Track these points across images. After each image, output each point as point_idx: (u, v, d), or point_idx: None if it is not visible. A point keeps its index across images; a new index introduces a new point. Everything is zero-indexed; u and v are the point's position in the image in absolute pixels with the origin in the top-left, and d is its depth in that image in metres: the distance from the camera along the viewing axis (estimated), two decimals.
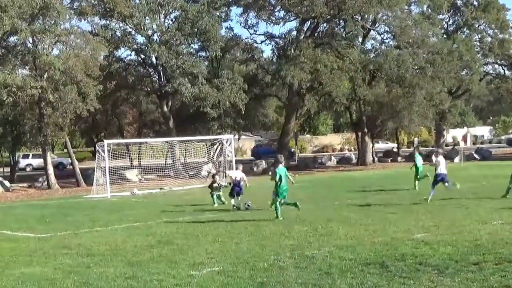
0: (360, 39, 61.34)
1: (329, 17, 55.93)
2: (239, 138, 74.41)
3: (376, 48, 61.48)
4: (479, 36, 71.05)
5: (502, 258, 12.66)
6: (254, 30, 60.39)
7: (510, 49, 70.39)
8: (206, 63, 58.79)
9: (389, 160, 66.78)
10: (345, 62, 54.68)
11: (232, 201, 25.44)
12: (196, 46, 58.09)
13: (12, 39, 45.21)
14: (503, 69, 75.02)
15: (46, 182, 48.91)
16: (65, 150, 60.41)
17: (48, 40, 44.67)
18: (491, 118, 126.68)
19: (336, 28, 59.60)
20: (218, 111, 53.59)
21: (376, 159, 65.25)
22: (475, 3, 69.04)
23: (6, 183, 48.55)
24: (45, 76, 44.42)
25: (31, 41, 45.34)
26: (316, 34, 59.00)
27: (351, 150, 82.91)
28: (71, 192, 44.98)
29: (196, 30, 53.50)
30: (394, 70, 54.28)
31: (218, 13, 57.60)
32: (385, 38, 61.52)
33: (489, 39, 70.65)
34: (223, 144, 47.28)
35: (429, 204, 23.38)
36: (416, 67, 57.21)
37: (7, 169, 61.56)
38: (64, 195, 42.39)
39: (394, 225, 18.28)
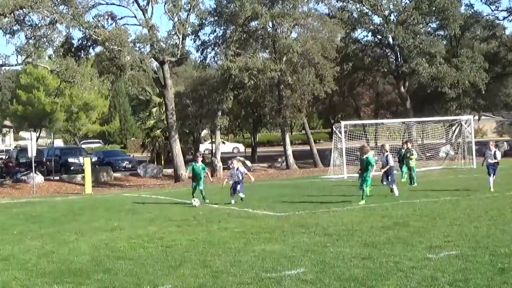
0: None
1: None
2: (479, 119, 71.90)
3: None
4: None
5: None
6: (496, 6, 57.89)
7: None
8: (444, 42, 57.45)
9: None
10: None
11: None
12: (434, 25, 56.99)
13: (253, 24, 46.84)
14: None
15: (285, 163, 50.36)
16: (303, 131, 61.78)
17: (287, 23, 45.86)
18: None
19: None
20: (457, 91, 52.28)
21: None
22: None
23: (248, 163, 50.65)
24: (284, 59, 45.61)
25: (270, 25, 46.74)
26: None
27: None
28: (308, 172, 45.97)
29: (434, 8, 52.40)
30: None
31: None
32: None
33: None
34: (462, 125, 45.90)
35: None
36: None
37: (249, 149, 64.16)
38: (301, 175, 43.41)
39: None
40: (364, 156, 22.53)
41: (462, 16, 54.24)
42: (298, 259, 12.73)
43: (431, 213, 18.85)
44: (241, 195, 24.27)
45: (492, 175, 24.53)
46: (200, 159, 26.48)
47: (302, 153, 58.32)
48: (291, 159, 49.96)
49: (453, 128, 50.18)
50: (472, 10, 57.35)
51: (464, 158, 43.72)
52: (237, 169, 25.03)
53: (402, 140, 36.24)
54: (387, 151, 26.61)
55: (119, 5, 42.47)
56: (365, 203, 21.72)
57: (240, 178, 24.61)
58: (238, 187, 24.35)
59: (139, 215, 22.07)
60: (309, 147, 54.00)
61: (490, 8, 58.01)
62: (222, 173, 45.49)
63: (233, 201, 24.05)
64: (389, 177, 25.73)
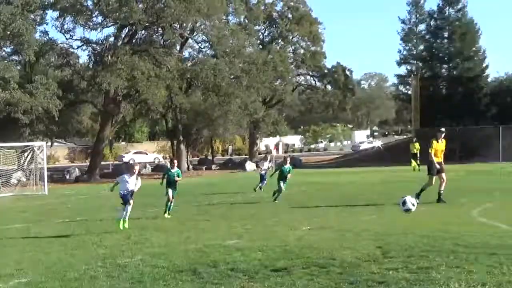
0: (178, 47, 61.70)
1: (147, 24, 55.77)
2: (51, 145, 72.31)
3: (193, 57, 62.34)
4: (293, 48, 74.27)
5: (310, 262, 13.05)
6: (71, 35, 58.76)
7: (321, 61, 73.86)
8: (19, 68, 56.87)
9: (204, 168, 67.42)
10: (162, 69, 54.83)
11: None
12: (8, 50, 56.02)
13: None
14: (314, 80, 78.80)
15: None
16: None
17: None
18: (302, 127, 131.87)
19: (155, 36, 59.58)
20: (30, 117, 51.96)
21: (191, 167, 65.76)
22: (290, 16, 71.91)
23: None
24: None
25: None
26: (134, 41, 58.64)
27: (166, 158, 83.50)
28: None
29: (8, 33, 51.52)
30: (211, 78, 55.11)
31: (33, 16, 55.77)
32: (202, 47, 62.42)
33: (302, 51, 73.86)
34: (35, 151, 45.82)
35: (243, 212, 23.87)
36: (232, 76, 58.43)
37: None
38: None
39: (208, 232, 18.44)
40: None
41: (37, 42, 54.20)
42: None
43: (2, 240, 18.49)
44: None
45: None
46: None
47: None
48: None
49: (26, 154, 49.70)
50: (48, 37, 57.64)
51: (36, 184, 43.68)
52: None
53: None
54: None
55: None
56: None
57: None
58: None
59: None
60: None
61: (65, 36, 58.85)
62: None
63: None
64: None
